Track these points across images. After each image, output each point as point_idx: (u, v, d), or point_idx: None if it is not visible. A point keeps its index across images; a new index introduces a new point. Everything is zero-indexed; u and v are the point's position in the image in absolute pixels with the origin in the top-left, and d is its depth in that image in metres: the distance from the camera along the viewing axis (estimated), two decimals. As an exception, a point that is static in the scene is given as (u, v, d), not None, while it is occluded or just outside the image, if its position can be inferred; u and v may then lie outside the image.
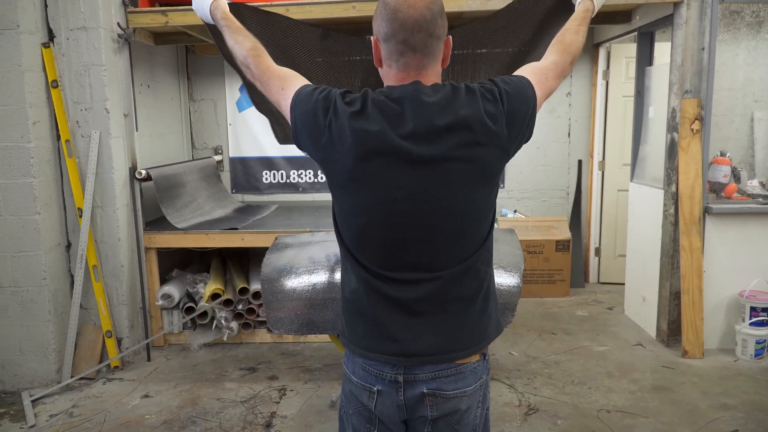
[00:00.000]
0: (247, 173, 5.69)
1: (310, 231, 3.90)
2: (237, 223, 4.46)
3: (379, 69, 1.49)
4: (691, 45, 3.88)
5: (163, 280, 4.44)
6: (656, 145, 4.34)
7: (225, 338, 4.28)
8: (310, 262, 2.87)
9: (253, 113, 5.43)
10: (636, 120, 4.69)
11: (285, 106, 1.51)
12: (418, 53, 1.40)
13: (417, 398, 1.46)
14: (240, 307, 4.30)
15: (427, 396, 1.45)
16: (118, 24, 3.91)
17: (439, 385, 1.45)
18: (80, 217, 3.86)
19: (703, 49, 3.87)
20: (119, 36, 3.94)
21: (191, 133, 5.66)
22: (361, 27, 4.02)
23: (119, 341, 4.04)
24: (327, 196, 1.63)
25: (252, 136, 5.61)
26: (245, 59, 1.65)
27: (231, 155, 5.66)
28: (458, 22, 4.06)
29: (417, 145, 1.35)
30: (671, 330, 4.16)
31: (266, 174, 5.69)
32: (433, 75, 1.44)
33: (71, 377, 3.77)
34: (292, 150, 5.36)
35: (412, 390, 1.45)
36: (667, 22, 4.08)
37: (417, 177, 1.37)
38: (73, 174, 3.83)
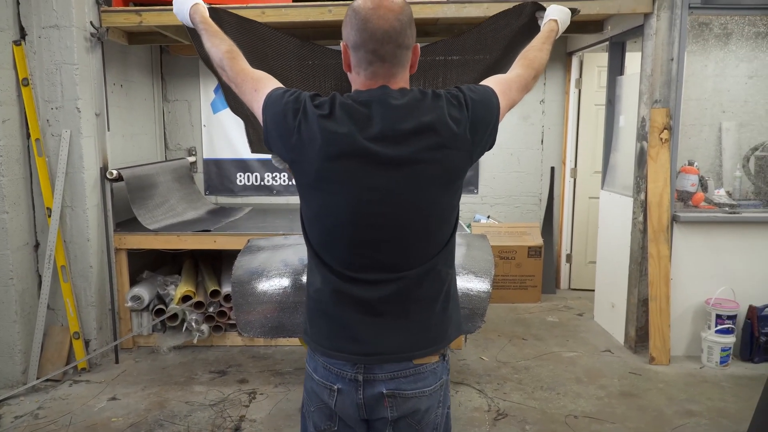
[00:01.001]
0: (221, 175, 5.65)
1: (284, 234, 3.89)
2: (210, 225, 4.42)
3: (348, 74, 1.52)
4: (660, 55, 3.95)
5: (134, 282, 4.38)
6: (626, 153, 4.41)
7: (195, 341, 4.24)
8: (282, 265, 2.84)
9: (227, 115, 5.39)
10: (607, 128, 4.76)
11: (257, 107, 1.54)
12: (386, 63, 1.44)
13: (376, 398, 1.48)
14: (211, 309, 4.26)
15: (386, 397, 1.48)
16: (91, 23, 3.87)
17: (398, 385, 1.48)
18: (49, 216, 3.79)
19: (672, 59, 3.94)
20: (92, 35, 3.90)
21: (164, 133, 5.60)
22: (337, 30, 4.02)
23: (87, 343, 3.98)
24: (301, 199, 1.65)
25: (226, 137, 5.57)
26: (221, 61, 1.70)
27: (205, 157, 5.62)
28: (434, 28, 4.11)
29: (385, 146, 1.38)
30: (639, 336, 4.22)
31: (240, 176, 5.65)
32: (401, 81, 1.48)
33: (37, 379, 3.70)
34: (267, 152, 5.33)
35: (371, 389, 1.48)
36: (637, 32, 4.15)
37: (386, 178, 1.39)
38: (42, 173, 3.77)
